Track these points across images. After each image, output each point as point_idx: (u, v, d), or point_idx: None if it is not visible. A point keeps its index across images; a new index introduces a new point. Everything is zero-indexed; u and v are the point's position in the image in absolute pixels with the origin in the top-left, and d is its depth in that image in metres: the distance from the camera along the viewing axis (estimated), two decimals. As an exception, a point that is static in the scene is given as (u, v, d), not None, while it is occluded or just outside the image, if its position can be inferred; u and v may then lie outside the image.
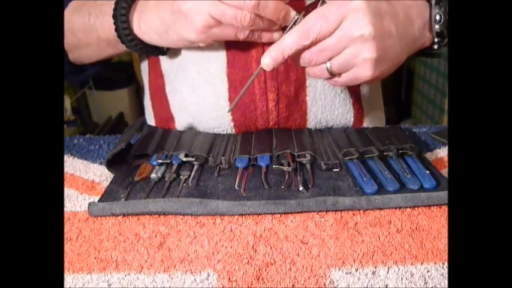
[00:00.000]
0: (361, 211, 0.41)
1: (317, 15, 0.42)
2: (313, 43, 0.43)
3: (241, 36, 0.47)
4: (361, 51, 0.42)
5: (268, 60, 0.44)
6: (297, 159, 0.49)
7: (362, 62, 0.43)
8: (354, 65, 0.43)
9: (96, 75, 0.65)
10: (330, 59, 0.44)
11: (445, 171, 0.48)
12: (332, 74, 0.45)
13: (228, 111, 0.55)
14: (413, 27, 0.46)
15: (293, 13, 0.45)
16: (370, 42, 0.41)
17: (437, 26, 0.47)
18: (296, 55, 0.44)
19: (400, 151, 0.49)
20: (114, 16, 0.50)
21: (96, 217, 0.42)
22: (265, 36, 0.48)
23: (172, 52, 0.58)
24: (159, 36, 0.50)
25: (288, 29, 0.45)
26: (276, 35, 0.48)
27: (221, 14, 0.44)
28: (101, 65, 0.63)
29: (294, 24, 0.45)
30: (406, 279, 0.33)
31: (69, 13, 0.56)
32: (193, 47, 0.52)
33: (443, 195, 0.42)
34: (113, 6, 0.50)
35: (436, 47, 0.49)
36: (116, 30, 0.51)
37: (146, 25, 0.50)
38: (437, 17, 0.46)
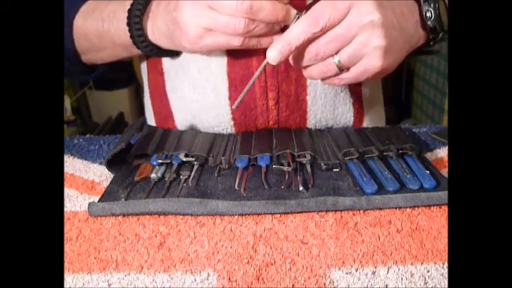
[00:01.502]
0: (361, 211, 0.41)
1: (324, 3, 0.41)
2: (323, 31, 0.41)
3: (236, 43, 0.46)
4: (370, 40, 0.41)
5: (275, 53, 0.42)
6: (297, 159, 0.49)
7: (372, 51, 0.41)
8: (363, 55, 0.42)
9: (104, 75, 0.66)
10: (337, 51, 0.42)
11: (445, 171, 0.48)
12: (340, 69, 0.43)
13: (233, 108, 0.54)
14: (408, 23, 0.46)
15: (293, 11, 0.44)
16: (380, 29, 0.40)
17: (429, 22, 0.47)
18: (301, 51, 0.43)
19: (400, 151, 0.49)
20: (128, 24, 0.51)
21: (96, 217, 0.42)
22: (265, 42, 0.47)
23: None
24: (169, 41, 0.51)
25: (290, 26, 0.43)
26: (276, 38, 0.47)
27: (214, 23, 0.44)
28: (110, 65, 0.63)
29: (296, 21, 0.43)
30: (406, 279, 0.33)
31: (81, 18, 0.56)
32: (195, 53, 0.53)
33: (443, 195, 0.42)
34: (127, 13, 0.51)
35: (432, 43, 0.49)
36: (131, 37, 0.51)
37: (158, 31, 0.51)
38: (428, 14, 0.46)
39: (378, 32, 0.41)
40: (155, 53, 0.54)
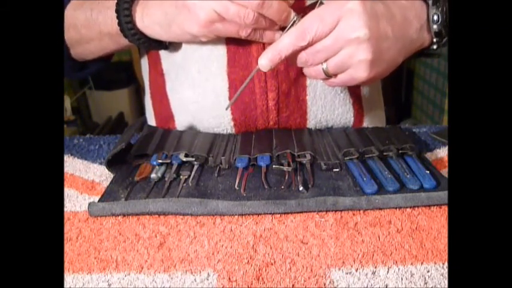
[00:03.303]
0: (361, 211, 0.41)
1: (314, 16, 0.42)
2: (310, 44, 0.43)
3: (243, 33, 0.47)
4: (356, 53, 0.42)
5: (265, 61, 0.44)
6: (297, 159, 0.49)
7: (358, 63, 0.43)
8: (349, 66, 0.44)
9: (97, 73, 0.66)
10: (325, 60, 0.44)
11: (445, 171, 0.48)
12: (328, 75, 0.45)
13: (226, 109, 0.55)
14: (410, 29, 0.46)
15: (292, 14, 0.46)
16: (366, 44, 0.42)
17: (435, 26, 0.47)
18: (293, 56, 0.45)
19: (400, 151, 0.49)
20: (117, 11, 0.50)
21: (96, 217, 0.42)
22: (267, 36, 0.49)
23: (173, 51, 0.58)
24: (162, 30, 0.51)
25: (286, 29, 0.46)
26: (277, 35, 0.48)
27: (225, 10, 0.44)
28: (102, 62, 0.63)
29: (293, 25, 0.45)
30: (406, 279, 0.33)
31: (71, 8, 0.56)
32: (195, 41, 0.52)
33: (443, 195, 0.42)
34: (116, 0, 0.51)
35: (435, 47, 0.49)
36: (119, 24, 0.51)
37: (149, 18, 0.50)
38: (435, 17, 0.46)
39: (364, 46, 0.42)
40: (142, 42, 0.53)
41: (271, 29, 0.48)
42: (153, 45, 0.55)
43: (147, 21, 0.51)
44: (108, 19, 0.52)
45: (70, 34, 0.56)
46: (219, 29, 0.47)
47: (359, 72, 0.44)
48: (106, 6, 0.53)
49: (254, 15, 0.44)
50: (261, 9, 0.44)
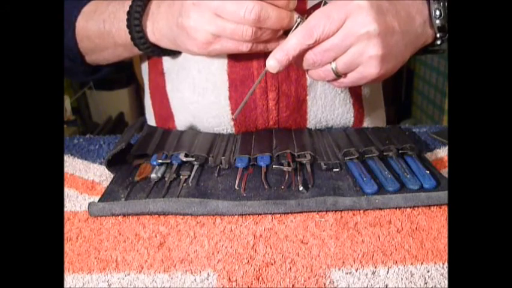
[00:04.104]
0: (361, 211, 0.41)
1: (320, 14, 0.42)
2: (317, 42, 0.42)
3: (244, 48, 0.47)
4: (366, 49, 0.42)
5: (273, 62, 0.43)
6: (297, 159, 0.49)
7: (368, 60, 0.42)
8: (359, 64, 0.43)
9: (110, 75, 0.66)
10: (334, 59, 0.43)
11: (445, 171, 0.48)
12: (337, 75, 0.45)
13: (233, 118, 0.55)
14: (415, 24, 0.46)
15: (295, 16, 0.45)
16: (376, 39, 0.41)
17: (438, 21, 0.47)
18: (300, 57, 0.44)
19: (400, 151, 0.49)
20: (128, 26, 0.51)
21: (96, 217, 0.42)
22: (271, 46, 0.47)
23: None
24: (170, 43, 0.51)
25: (291, 32, 0.45)
26: (281, 43, 0.47)
27: (222, 31, 0.44)
28: (114, 65, 0.64)
29: (297, 27, 0.44)
30: (406, 279, 0.33)
31: (83, 20, 0.56)
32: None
33: (443, 195, 0.42)
34: (126, 16, 0.51)
35: (439, 42, 0.49)
36: (132, 38, 0.52)
37: (159, 32, 0.51)
38: (437, 12, 0.46)
39: (374, 41, 0.41)
40: (157, 53, 0.55)
41: (274, 38, 0.47)
42: (167, 54, 0.56)
43: (158, 34, 0.51)
44: (121, 32, 0.53)
45: (84, 44, 0.57)
46: (217, 48, 0.47)
47: (370, 69, 0.43)
48: (118, 19, 0.53)
49: (253, 31, 0.44)
50: (258, 23, 0.43)
